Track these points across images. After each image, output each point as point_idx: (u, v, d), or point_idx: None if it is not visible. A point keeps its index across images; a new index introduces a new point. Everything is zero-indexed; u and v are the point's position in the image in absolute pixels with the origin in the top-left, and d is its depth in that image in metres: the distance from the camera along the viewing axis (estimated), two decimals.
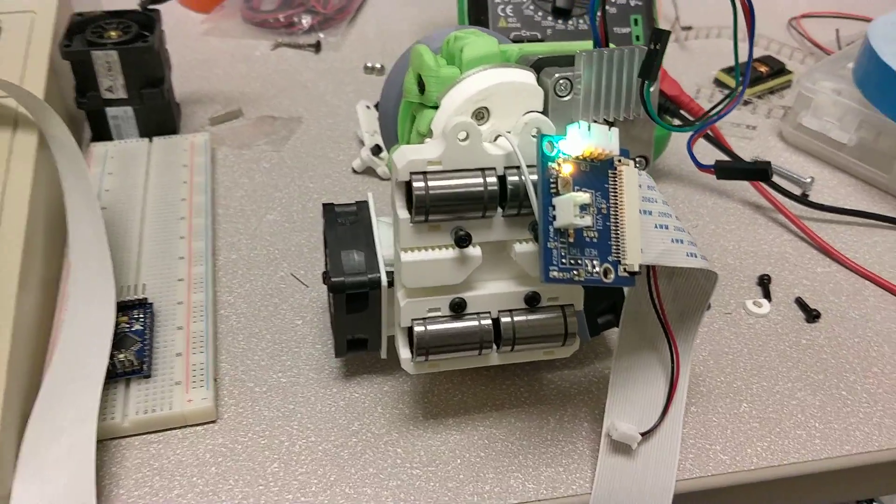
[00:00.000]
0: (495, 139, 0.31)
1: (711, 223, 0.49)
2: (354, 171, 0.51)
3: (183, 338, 0.38)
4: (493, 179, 0.30)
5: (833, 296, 0.44)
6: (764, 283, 0.44)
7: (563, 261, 0.27)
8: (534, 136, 0.29)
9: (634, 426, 0.33)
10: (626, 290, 0.34)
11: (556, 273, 0.27)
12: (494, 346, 0.33)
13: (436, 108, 0.32)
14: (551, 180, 0.27)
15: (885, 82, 0.48)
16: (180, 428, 0.36)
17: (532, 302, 0.32)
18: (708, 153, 0.52)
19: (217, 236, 0.46)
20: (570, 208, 0.26)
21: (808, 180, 0.51)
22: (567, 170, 0.27)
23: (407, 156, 0.29)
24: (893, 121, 0.48)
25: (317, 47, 0.63)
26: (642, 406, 0.34)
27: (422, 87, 0.32)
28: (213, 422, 0.36)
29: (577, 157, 0.28)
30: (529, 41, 0.48)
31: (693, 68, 0.63)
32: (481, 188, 0.29)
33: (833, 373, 0.39)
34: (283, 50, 0.63)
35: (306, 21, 0.64)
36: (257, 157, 0.52)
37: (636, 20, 0.49)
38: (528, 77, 0.31)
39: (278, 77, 0.60)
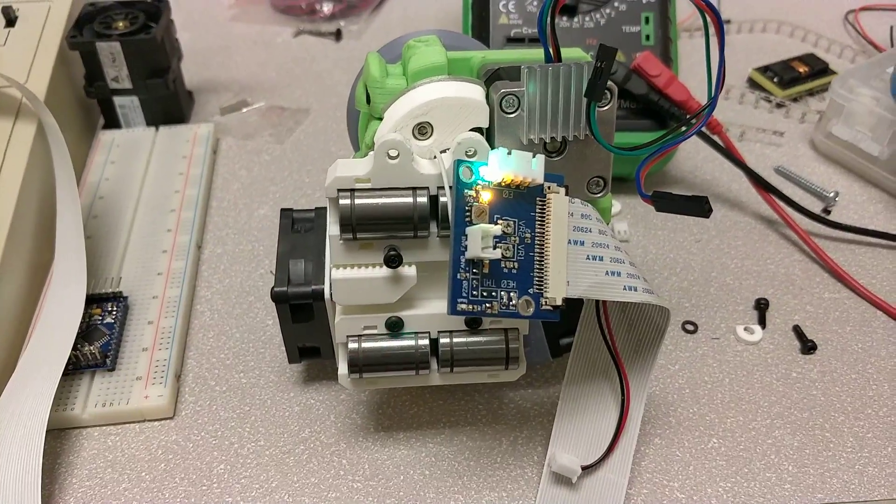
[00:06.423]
0: (434, 157, 0.30)
1: (717, 237, 0.46)
2: None
3: (151, 333, 0.39)
4: (423, 200, 0.28)
5: (836, 325, 0.40)
6: (761, 307, 0.41)
7: (475, 293, 0.25)
8: (468, 157, 0.28)
9: (577, 459, 0.32)
10: (580, 316, 0.33)
11: (464, 305, 0.25)
12: (435, 367, 0.32)
13: (381, 120, 0.31)
14: (466, 208, 0.26)
15: None
16: (140, 422, 0.37)
17: (473, 324, 0.31)
18: (716, 163, 0.49)
19: (206, 229, 0.46)
20: (479, 240, 0.25)
21: (832, 195, 0.47)
22: (486, 198, 0.26)
23: (337, 170, 0.28)
24: None
25: (337, 35, 0.62)
26: (590, 438, 0.32)
27: (369, 97, 0.31)
28: (170, 418, 0.37)
29: (498, 185, 0.26)
30: (531, 40, 0.46)
31: (728, 66, 0.59)
32: (410, 208, 0.28)
33: (820, 411, 0.37)
34: (304, 37, 0.63)
35: (327, 8, 0.63)
36: (259, 148, 0.52)
37: (647, 18, 0.46)
38: (474, 92, 0.29)
39: (295, 66, 0.60)
